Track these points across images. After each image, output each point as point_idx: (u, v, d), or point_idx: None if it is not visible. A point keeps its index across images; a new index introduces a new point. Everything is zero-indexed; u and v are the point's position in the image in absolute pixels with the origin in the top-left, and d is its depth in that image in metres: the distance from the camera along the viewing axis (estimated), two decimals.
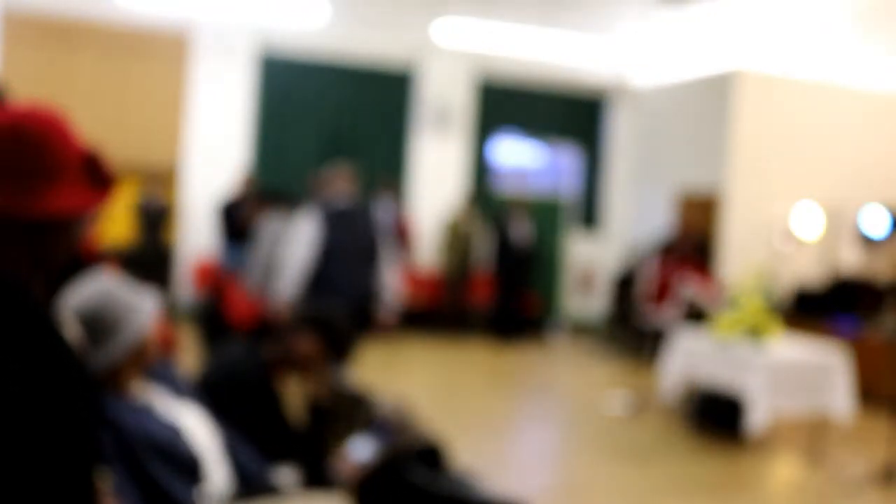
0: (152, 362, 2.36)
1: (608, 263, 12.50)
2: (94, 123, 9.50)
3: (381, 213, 10.47)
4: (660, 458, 6.12)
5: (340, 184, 5.74)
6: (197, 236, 10.35)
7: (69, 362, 1.45)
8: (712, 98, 11.10)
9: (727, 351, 6.26)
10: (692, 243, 9.72)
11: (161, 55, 10.59)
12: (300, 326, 3.21)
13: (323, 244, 5.41)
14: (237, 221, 8.45)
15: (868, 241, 10.96)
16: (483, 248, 11.29)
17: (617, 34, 10.03)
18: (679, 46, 10.36)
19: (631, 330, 10.52)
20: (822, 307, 9.58)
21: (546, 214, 12.15)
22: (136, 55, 10.47)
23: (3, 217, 1.43)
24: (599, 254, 12.71)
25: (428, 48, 11.29)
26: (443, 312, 11.00)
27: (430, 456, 3.53)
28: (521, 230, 10.99)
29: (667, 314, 9.30)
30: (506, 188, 12.30)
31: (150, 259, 9.90)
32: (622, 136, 12.77)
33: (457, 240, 10.91)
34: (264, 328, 5.20)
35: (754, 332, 6.27)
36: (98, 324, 2.17)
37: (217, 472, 2.48)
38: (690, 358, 6.64)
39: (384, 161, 11.53)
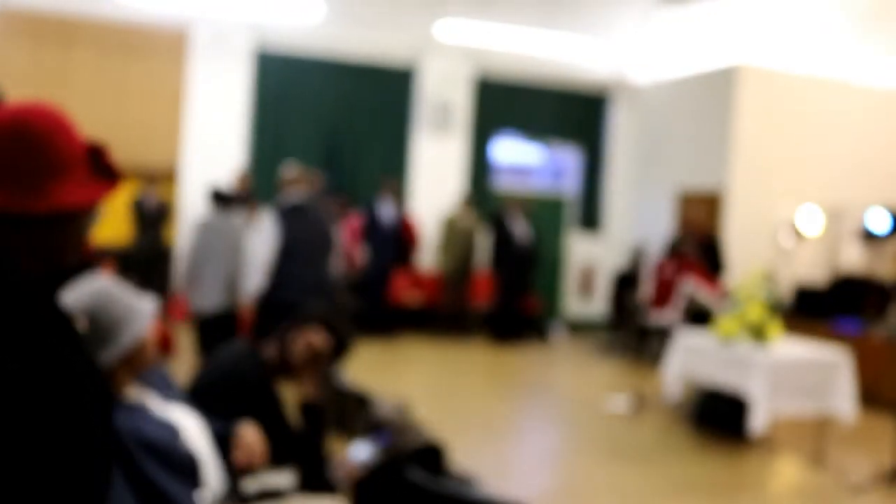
0: (149, 365, 2.33)
1: (609, 263, 12.46)
2: (92, 122, 9.45)
3: (384, 213, 10.45)
4: (661, 458, 6.09)
5: (299, 183, 5.95)
6: None
7: (85, 362, 1.45)
8: (714, 94, 11.05)
9: (729, 351, 6.23)
10: (695, 242, 9.67)
11: (159, 53, 10.55)
12: (308, 324, 3.19)
13: (282, 241, 5.65)
14: None
15: (870, 239, 10.92)
16: (483, 248, 11.25)
17: (617, 34, 9.99)
18: (680, 45, 10.33)
19: (632, 330, 10.49)
20: (825, 306, 9.54)
21: (547, 213, 12.13)
22: (134, 53, 10.43)
23: (13, 214, 1.43)
24: (600, 253, 12.67)
25: (428, 46, 11.25)
26: (443, 312, 10.96)
27: (429, 457, 3.50)
28: (522, 229, 10.95)
29: (669, 314, 9.27)
30: (506, 187, 12.26)
31: (148, 258, 9.84)
32: (623, 134, 12.72)
33: (456, 239, 10.87)
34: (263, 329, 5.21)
35: (757, 332, 6.24)
36: (95, 325, 2.14)
37: (212, 474, 2.45)
38: (692, 358, 6.61)
39: (383, 159, 11.48)
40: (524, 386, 8.71)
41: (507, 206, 11.07)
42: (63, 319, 1.44)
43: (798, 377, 6.07)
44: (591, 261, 12.70)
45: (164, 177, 10.44)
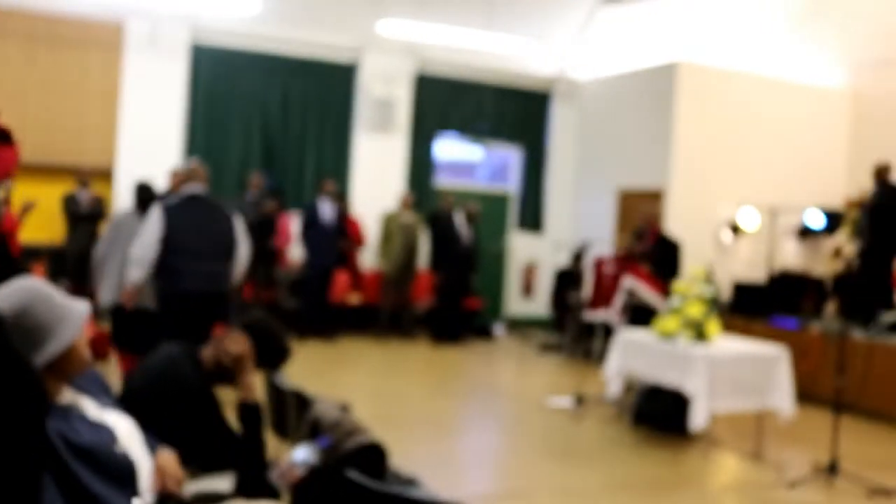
0: (83, 369, 2.24)
1: (551, 261, 12.49)
2: (23, 117, 9.17)
3: (324, 213, 10.33)
4: (603, 455, 6.11)
5: (193, 179, 5.88)
6: None
7: (16, 364, 1.38)
8: (654, 91, 11.13)
9: (670, 348, 6.27)
10: (652, 239, 9.66)
11: (94, 46, 10.26)
12: (233, 329, 3.14)
13: (168, 236, 5.59)
14: None
15: (807, 235, 11.11)
16: (425, 246, 11.20)
17: (557, 33, 10.03)
18: (620, 43, 10.41)
19: (574, 329, 10.53)
20: (763, 303, 9.68)
21: (489, 211, 12.13)
22: (67, 46, 10.14)
23: None
24: (542, 252, 12.70)
25: (369, 42, 11.17)
26: (384, 312, 10.88)
27: (371, 457, 3.46)
28: (463, 227, 10.92)
29: (611, 313, 9.31)
30: (447, 185, 12.22)
31: (82, 258, 9.59)
32: (564, 132, 12.76)
33: (398, 238, 10.78)
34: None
35: (696, 330, 6.30)
36: (24, 328, 2.04)
37: (148, 480, 2.37)
38: (633, 355, 6.64)
39: (324, 157, 11.36)
40: (467, 385, 8.69)
41: (448, 205, 11.03)
42: None
43: (737, 373, 6.14)
44: (533, 259, 12.73)
45: (99, 174, 10.18)
